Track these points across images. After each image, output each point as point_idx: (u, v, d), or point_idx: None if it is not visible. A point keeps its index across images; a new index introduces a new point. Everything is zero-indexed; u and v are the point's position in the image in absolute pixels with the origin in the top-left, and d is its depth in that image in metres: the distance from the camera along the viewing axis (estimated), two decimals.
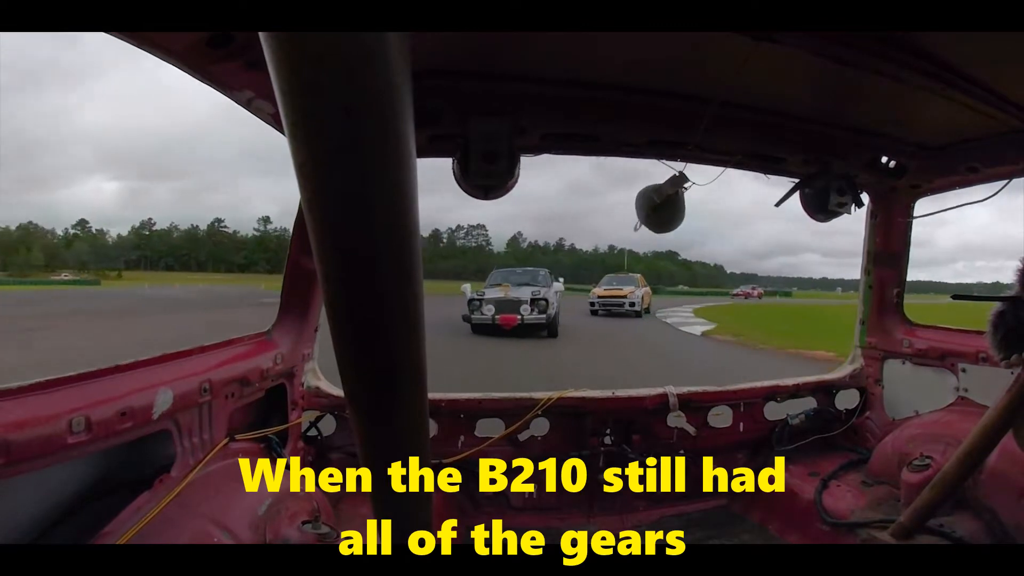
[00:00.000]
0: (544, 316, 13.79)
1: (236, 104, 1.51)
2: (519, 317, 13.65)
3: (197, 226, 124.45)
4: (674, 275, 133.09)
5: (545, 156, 2.05)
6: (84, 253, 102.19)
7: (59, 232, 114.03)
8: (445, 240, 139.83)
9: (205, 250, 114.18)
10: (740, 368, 9.66)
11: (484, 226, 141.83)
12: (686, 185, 2.04)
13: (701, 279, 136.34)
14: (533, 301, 13.80)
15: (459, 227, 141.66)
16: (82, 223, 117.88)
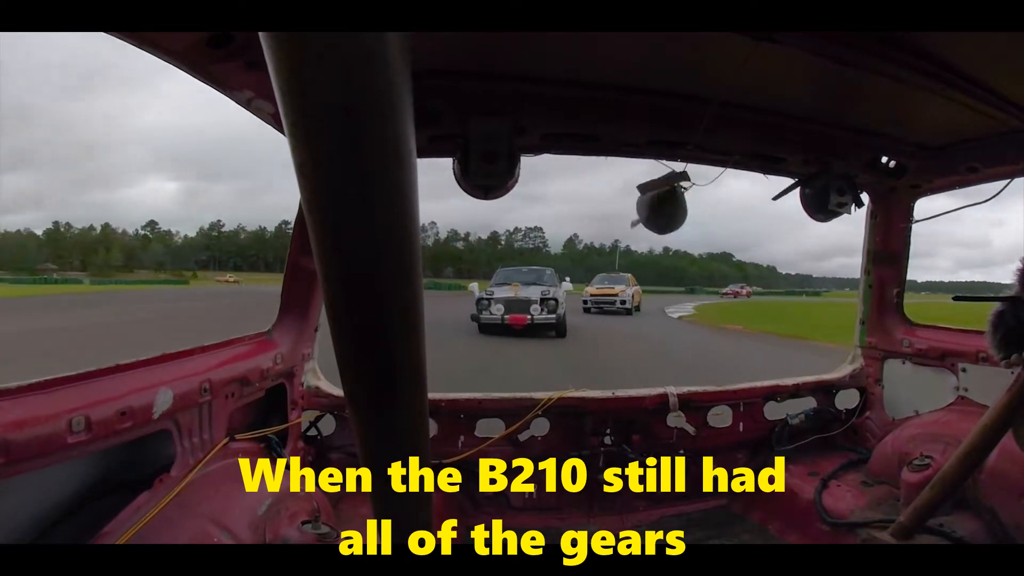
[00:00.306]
0: (554, 316, 13.76)
1: (237, 104, 1.51)
2: (529, 317, 13.61)
3: (264, 228, 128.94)
4: (727, 276, 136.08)
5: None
6: (160, 254, 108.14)
7: (130, 232, 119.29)
8: (503, 242, 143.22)
9: (272, 251, 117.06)
10: (680, 329, 17.84)
11: (541, 228, 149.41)
12: (686, 185, 2.04)
13: (753, 280, 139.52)
14: (543, 301, 13.75)
15: (516, 229, 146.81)
16: (152, 224, 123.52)
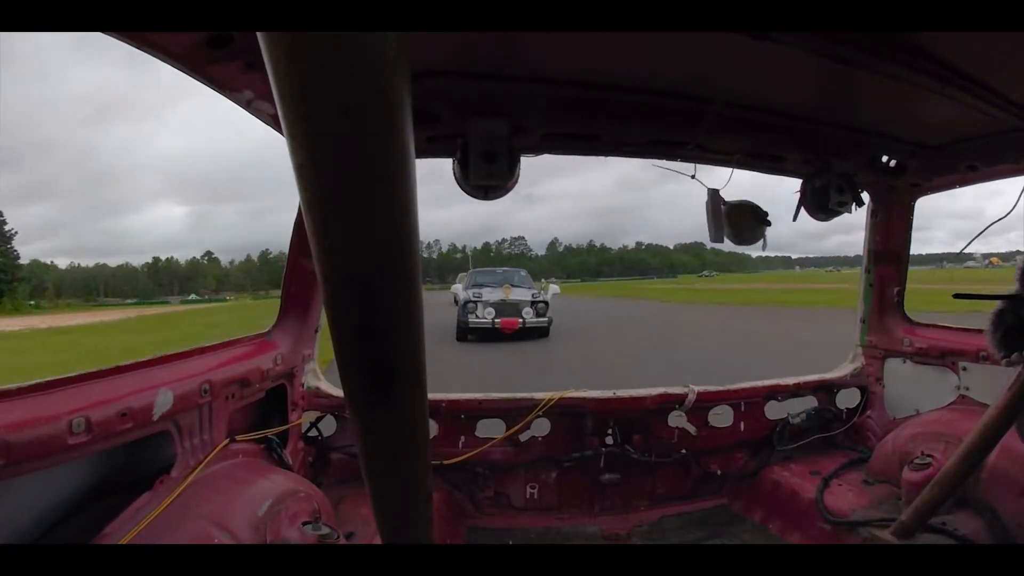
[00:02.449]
0: (545, 319, 13.33)
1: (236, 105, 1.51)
2: (521, 320, 13.03)
3: None
4: (687, 265, 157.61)
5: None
6: (241, 278, 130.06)
7: (184, 260, 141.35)
8: (494, 251, 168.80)
9: None
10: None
11: (524, 237, 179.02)
12: (721, 196, 2.10)
13: (712, 266, 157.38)
14: (533, 303, 13.29)
15: (504, 240, 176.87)
16: (208, 253, 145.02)
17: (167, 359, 1.55)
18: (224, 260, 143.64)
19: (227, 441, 1.67)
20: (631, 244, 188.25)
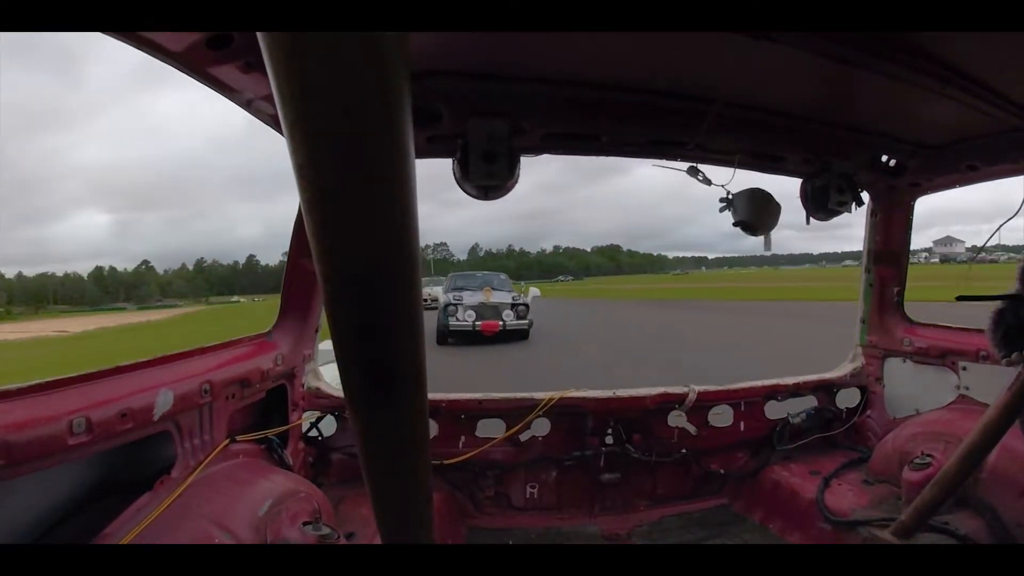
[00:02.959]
0: (525, 322, 13.24)
1: (232, 118, 1.51)
2: (501, 323, 12.94)
3: (237, 261, 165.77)
4: (601, 266, 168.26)
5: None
6: (182, 287, 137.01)
7: (127, 268, 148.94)
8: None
9: (247, 279, 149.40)
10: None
11: (446, 243, 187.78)
12: (699, 177, 2.09)
13: (628, 268, 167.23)
14: (514, 306, 13.21)
15: (427, 246, 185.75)
16: (145, 262, 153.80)
17: (167, 359, 1.55)
18: (159, 268, 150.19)
19: (227, 441, 1.67)
20: (549, 248, 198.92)
